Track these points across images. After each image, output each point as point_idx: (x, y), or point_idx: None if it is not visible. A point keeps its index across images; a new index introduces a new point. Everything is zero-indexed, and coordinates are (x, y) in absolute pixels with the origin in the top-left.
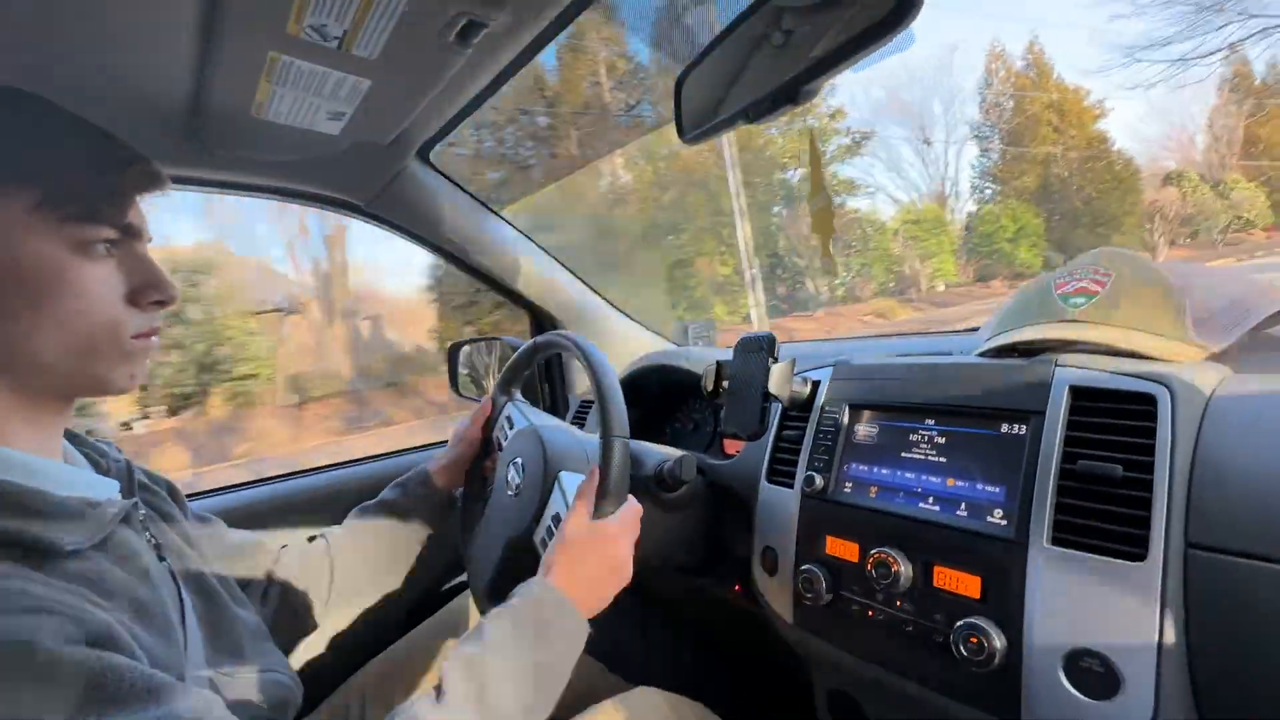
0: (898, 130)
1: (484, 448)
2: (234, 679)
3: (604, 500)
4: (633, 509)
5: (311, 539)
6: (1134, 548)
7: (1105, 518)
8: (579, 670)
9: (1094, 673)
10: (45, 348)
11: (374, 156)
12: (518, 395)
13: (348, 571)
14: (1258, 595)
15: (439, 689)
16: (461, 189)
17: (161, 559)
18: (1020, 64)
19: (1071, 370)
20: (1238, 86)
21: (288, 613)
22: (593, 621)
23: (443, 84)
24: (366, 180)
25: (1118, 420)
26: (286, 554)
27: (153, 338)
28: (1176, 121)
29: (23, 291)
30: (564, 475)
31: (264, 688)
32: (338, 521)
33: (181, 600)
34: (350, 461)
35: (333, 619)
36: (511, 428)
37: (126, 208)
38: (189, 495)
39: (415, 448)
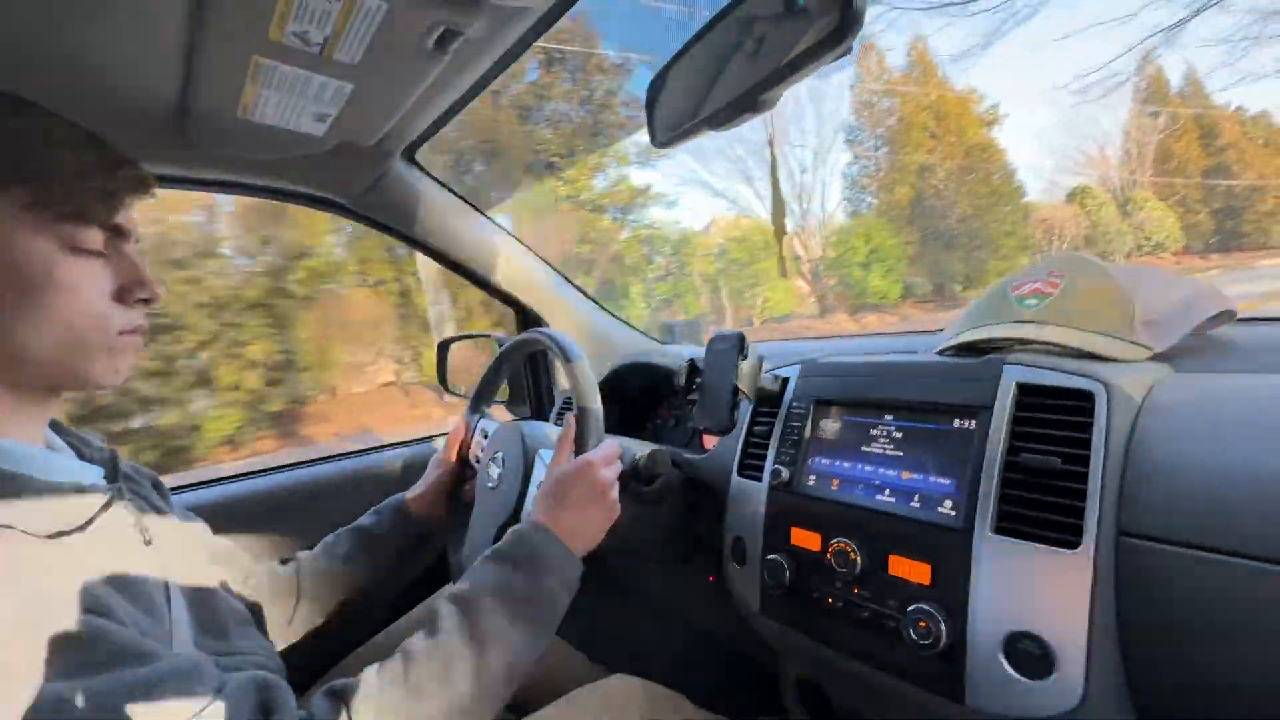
0: (751, 133)
1: (462, 471)
2: (220, 660)
3: (583, 439)
4: (611, 444)
5: (284, 561)
6: (1070, 536)
7: (1044, 508)
8: (558, 658)
9: (1031, 654)
10: (34, 342)
11: (360, 157)
12: (488, 412)
13: (314, 600)
14: (1183, 580)
15: (431, 625)
16: (448, 189)
17: (147, 543)
18: (902, 58)
19: (1019, 368)
20: (1150, 97)
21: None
22: (571, 612)
23: (424, 88)
24: (353, 180)
25: (1059, 415)
26: (260, 573)
27: (137, 335)
28: (1088, 134)
29: (14, 286)
30: (543, 452)
31: (250, 669)
32: (339, 514)
33: (167, 585)
34: (351, 453)
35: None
36: (486, 437)
37: (116, 209)
38: (175, 489)
39: (421, 438)
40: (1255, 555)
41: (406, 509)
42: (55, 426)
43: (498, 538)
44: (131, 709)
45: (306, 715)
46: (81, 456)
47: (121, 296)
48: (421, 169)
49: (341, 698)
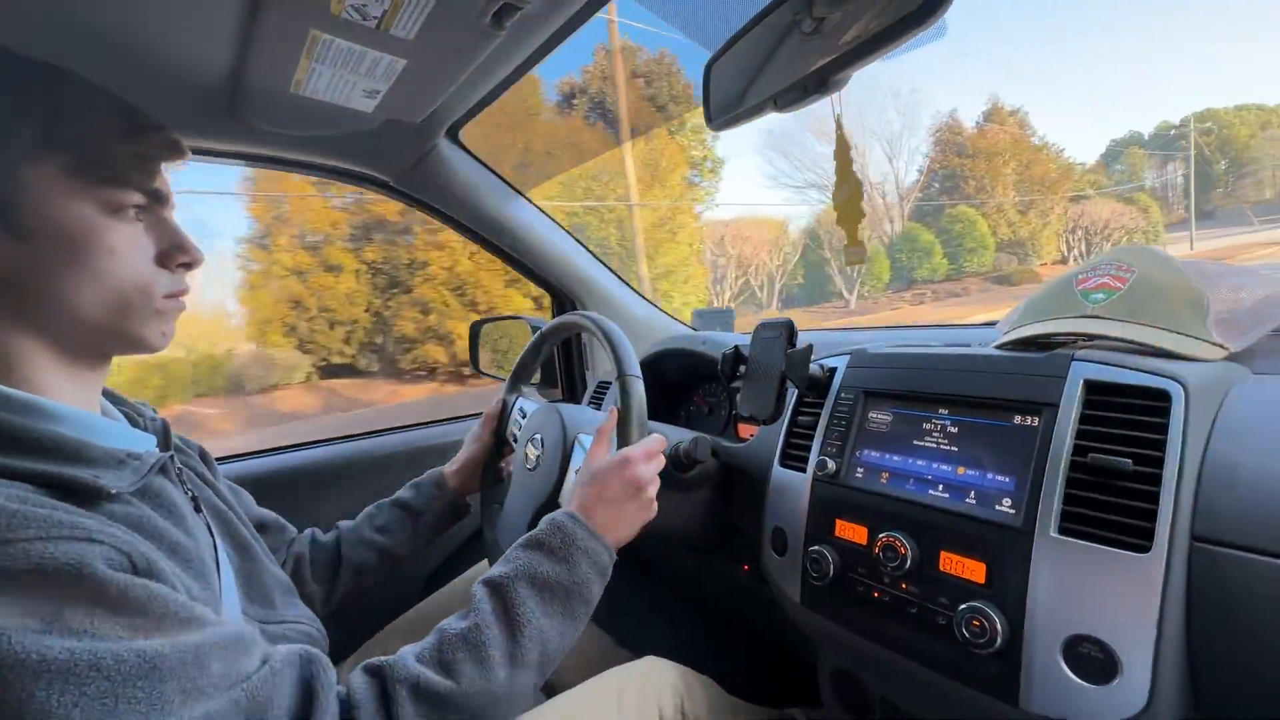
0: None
1: (496, 448)
2: (267, 627)
3: (625, 433)
4: (654, 438)
5: (327, 529)
6: (1139, 539)
7: (1113, 509)
8: (589, 640)
9: (1093, 658)
10: (84, 305)
11: (405, 134)
12: (526, 390)
13: (356, 566)
14: (1259, 589)
15: (466, 609)
16: (489, 169)
17: (198, 510)
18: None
19: (1087, 364)
20: None
21: (301, 586)
22: (605, 596)
23: (476, 64)
24: (397, 157)
25: (1130, 415)
26: (302, 539)
27: (181, 298)
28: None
29: (61, 251)
30: (582, 436)
31: (295, 637)
32: (381, 488)
33: (216, 550)
34: (389, 429)
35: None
36: (524, 417)
37: (153, 173)
38: (221, 459)
39: (456, 418)
40: None
41: (444, 482)
42: (109, 396)
43: (533, 520)
44: (179, 673)
45: (345, 691)
46: (134, 425)
47: (164, 261)
48: (464, 148)
49: (379, 676)
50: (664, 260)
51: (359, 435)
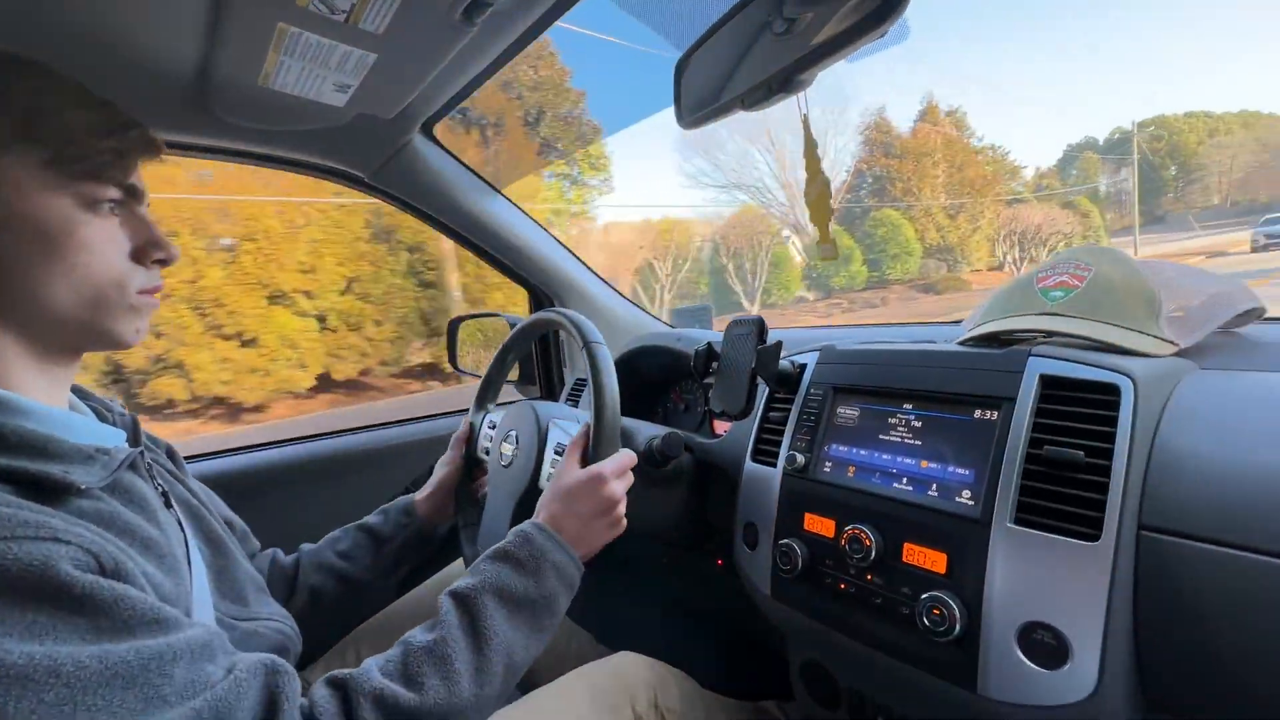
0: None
1: (467, 470)
2: (239, 624)
3: (597, 447)
4: (625, 455)
5: (288, 552)
6: (1090, 529)
7: (1065, 500)
8: (566, 637)
9: (1046, 644)
10: (57, 300)
11: (378, 130)
12: (493, 407)
13: (312, 593)
14: (1203, 576)
15: (432, 620)
16: (464, 165)
17: (169, 506)
18: None
19: (1043, 360)
20: None
21: None
22: (580, 594)
23: (448, 60)
24: (370, 153)
25: (1083, 409)
26: (260, 559)
27: (155, 294)
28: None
29: (37, 245)
30: (559, 422)
31: (268, 634)
32: (355, 488)
33: (188, 545)
34: (368, 426)
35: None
36: (494, 429)
37: (130, 168)
38: (190, 458)
39: (437, 415)
40: (1272, 552)
41: (413, 509)
42: (78, 392)
43: (515, 512)
44: (141, 680)
45: (308, 705)
46: (103, 420)
47: (139, 257)
48: (439, 144)
49: (342, 689)
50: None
51: (328, 434)
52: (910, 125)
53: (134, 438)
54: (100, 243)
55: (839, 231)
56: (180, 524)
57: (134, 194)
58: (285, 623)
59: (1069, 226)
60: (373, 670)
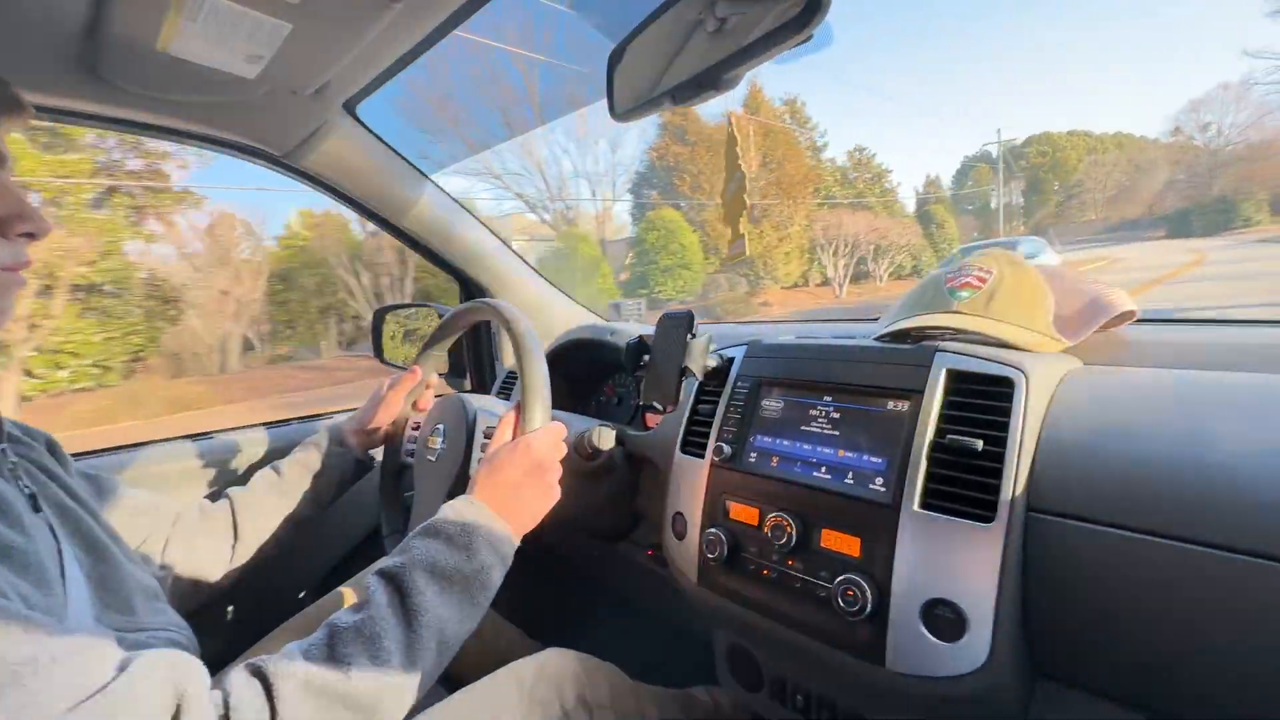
0: None
1: (394, 475)
2: (125, 636)
3: (528, 417)
4: (556, 426)
5: (214, 498)
6: (986, 511)
7: (965, 485)
8: (492, 632)
9: (946, 619)
10: None
11: (296, 105)
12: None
13: (254, 530)
14: (1083, 552)
15: (360, 600)
16: (390, 149)
17: (37, 509)
18: None
19: (949, 355)
20: None
21: (190, 573)
22: (509, 587)
23: (369, 37)
24: (287, 130)
25: (983, 400)
26: (188, 513)
27: (20, 272)
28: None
29: None
30: (487, 411)
31: (159, 646)
32: (237, 483)
33: (60, 553)
34: (252, 425)
35: (249, 578)
36: (417, 429)
37: None
38: (78, 454)
39: (316, 415)
40: (1141, 529)
41: (344, 437)
42: None
43: (447, 500)
44: (14, 691)
45: (223, 693)
46: None
47: (2, 229)
48: (363, 125)
49: (262, 674)
50: None
51: (228, 429)
52: (721, 111)
53: None
54: None
55: (584, 239)
56: (52, 529)
57: None
58: (180, 632)
59: (899, 237)
60: (295, 654)
